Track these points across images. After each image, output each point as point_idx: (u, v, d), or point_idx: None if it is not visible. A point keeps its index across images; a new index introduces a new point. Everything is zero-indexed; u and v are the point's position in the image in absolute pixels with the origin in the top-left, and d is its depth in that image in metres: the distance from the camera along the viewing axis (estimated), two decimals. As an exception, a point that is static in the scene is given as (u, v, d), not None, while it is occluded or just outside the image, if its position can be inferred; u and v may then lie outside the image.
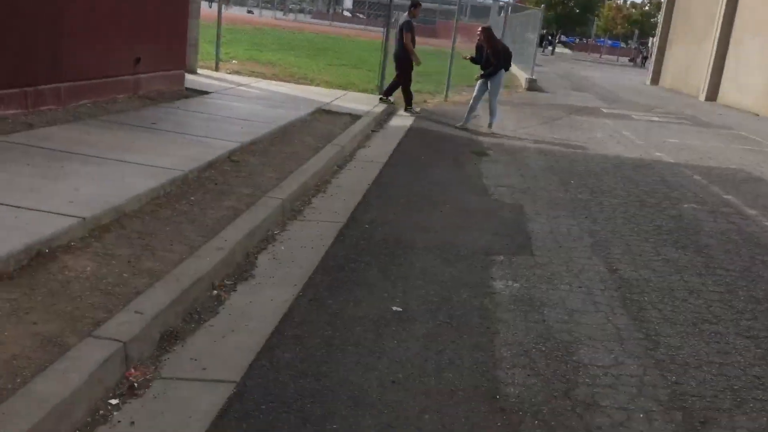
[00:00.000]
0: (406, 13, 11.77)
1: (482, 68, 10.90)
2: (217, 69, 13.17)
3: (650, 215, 6.53)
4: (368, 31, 45.93)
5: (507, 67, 11.11)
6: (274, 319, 3.55)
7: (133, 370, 2.91)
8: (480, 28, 11.12)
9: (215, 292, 3.78)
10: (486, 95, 11.04)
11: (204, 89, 10.11)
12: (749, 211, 7.08)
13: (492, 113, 11.01)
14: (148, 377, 2.90)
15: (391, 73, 12.29)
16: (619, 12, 57.82)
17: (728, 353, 3.72)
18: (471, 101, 11.20)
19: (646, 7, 57.30)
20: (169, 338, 3.22)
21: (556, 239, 5.48)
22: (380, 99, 11.87)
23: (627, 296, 4.40)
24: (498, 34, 17.85)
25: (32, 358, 2.66)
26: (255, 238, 4.56)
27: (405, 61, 11.32)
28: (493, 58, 10.67)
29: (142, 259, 3.76)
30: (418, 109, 11.89)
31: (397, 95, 11.89)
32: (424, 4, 13.89)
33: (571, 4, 60.42)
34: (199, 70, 12.17)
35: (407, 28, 11.13)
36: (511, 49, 11.83)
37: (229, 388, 2.90)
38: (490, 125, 10.98)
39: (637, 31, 57.24)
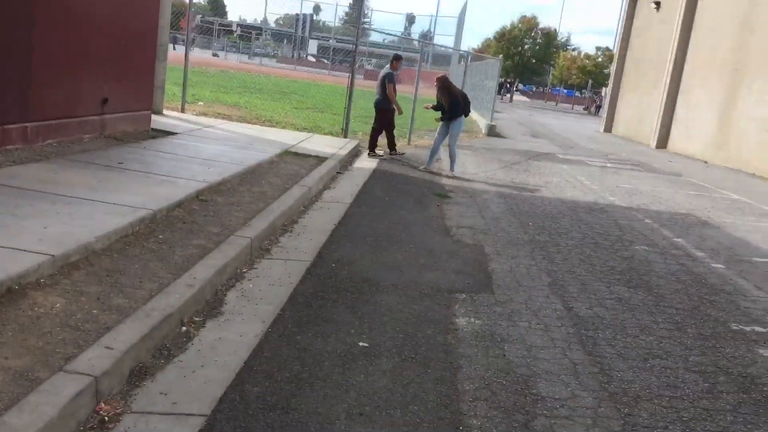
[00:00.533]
0: (387, 66, 12.30)
1: (442, 112, 11.32)
2: (183, 110, 13.26)
3: (604, 256, 6.82)
4: (333, 75, 46.74)
5: (466, 113, 11.53)
6: (243, 354, 3.63)
7: (103, 405, 2.94)
8: (436, 79, 11.57)
9: (184, 328, 3.84)
10: (447, 140, 11.41)
11: (171, 130, 10.19)
12: (697, 253, 7.44)
13: (452, 158, 11.37)
14: (118, 411, 2.94)
15: (356, 117, 12.51)
16: (574, 63, 60.22)
17: (678, 387, 3.92)
18: (433, 145, 11.55)
19: (599, 59, 59.83)
20: (139, 373, 3.26)
21: (515, 278, 5.69)
22: (390, 154, 12.08)
23: (582, 333, 4.60)
24: (459, 81, 18.45)
25: (4, 392, 2.68)
26: (224, 276, 4.64)
27: (386, 110, 11.74)
28: (447, 108, 11.11)
29: (112, 296, 3.80)
30: (381, 152, 12.17)
31: (365, 138, 12.10)
32: (387, 51, 14.39)
33: (528, 54, 62.81)
34: (165, 112, 12.26)
35: (389, 79, 11.60)
36: (471, 96, 12.26)
37: (199, 421, 2.96)
38: (451, 169, 11.31)
39: (590, 81, 59.58)
